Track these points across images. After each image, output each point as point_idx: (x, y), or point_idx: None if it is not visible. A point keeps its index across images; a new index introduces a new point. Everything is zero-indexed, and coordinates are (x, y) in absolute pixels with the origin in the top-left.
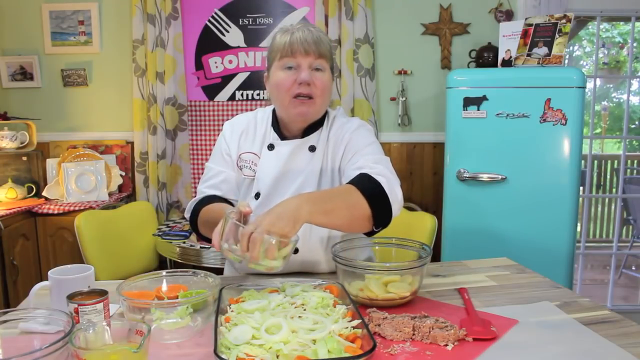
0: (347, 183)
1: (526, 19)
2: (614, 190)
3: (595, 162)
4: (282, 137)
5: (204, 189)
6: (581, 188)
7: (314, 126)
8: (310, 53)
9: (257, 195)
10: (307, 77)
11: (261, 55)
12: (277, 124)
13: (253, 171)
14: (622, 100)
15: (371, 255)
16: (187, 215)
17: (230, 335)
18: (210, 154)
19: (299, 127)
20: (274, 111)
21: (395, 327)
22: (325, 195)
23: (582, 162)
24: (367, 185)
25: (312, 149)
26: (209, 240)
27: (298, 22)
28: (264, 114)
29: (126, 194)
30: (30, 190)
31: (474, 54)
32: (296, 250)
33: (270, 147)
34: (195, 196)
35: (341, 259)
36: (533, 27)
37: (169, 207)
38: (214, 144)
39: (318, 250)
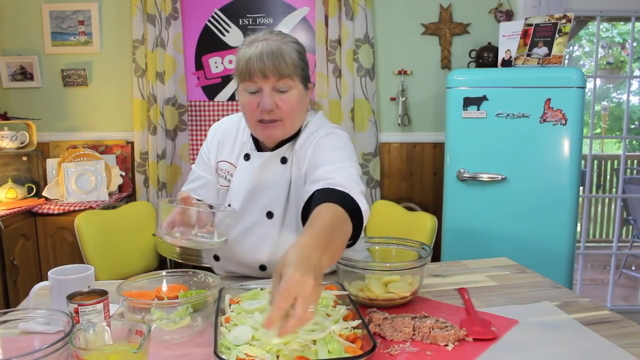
0: (330, 202)
1: (526, 19)
2: (613, 190)
3: (595, 162)
4: (259, 148)
5: (183, 191)
6: (581, 188)
7: (288, 137)
8: (269, 76)
9: None
10: (268, 104)
11: None
12: None
13: (228, 181)
14: (622, 100)
15: (368, 256)
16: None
17: (230, 336)
18: None
19: (270, 145)
20: None
21: (396, 328)
22: (330, 234)
23: (582, 162)
24: (346, 202)
25: (284, 160)
26: None
27: (264, 32)
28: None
29: (126, 194)
30: (30, 190)
31: (474, 54)
32: (263, 268)
33: (247, 157)
34: None
35: (341, 259)
36: (533, 27)
37: None
38: None
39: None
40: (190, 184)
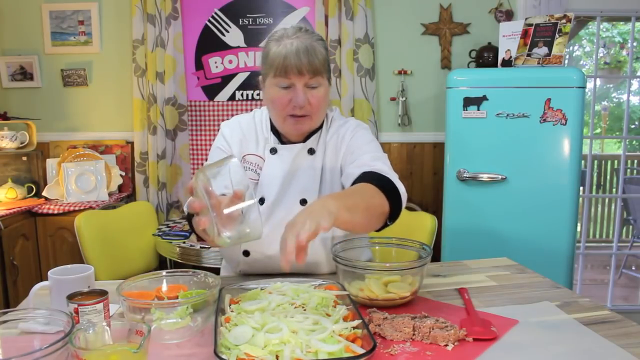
0: (362, 181)
1: (526, 19)
2: (614, 190)
3: (595, 162)
4: (282, 141)
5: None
6: (581, 188)
7: (314, 130)
8: (304, 73)
9: (262, 201)
10: (302, 100)
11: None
12: (275, 128)
13: (257, 174)
14: (622, 100)
15: (370, 256)
16: (186, 209)
17: (230, 336)
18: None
19: (296, 138)
20: None
21: (396, 328)
22: (346, 193)
23: (582, 162)
24: (382, 182)
25: (311, 151)
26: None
27: (292, 28)
28: (261, 116)
29: (126, 194)
30: (30, 190)
31: (474, 54)
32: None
33: (273, 150)
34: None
35: (341, 259)
36: (533, 27)
37: (169, 207)
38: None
39: (320, 251)
40: None
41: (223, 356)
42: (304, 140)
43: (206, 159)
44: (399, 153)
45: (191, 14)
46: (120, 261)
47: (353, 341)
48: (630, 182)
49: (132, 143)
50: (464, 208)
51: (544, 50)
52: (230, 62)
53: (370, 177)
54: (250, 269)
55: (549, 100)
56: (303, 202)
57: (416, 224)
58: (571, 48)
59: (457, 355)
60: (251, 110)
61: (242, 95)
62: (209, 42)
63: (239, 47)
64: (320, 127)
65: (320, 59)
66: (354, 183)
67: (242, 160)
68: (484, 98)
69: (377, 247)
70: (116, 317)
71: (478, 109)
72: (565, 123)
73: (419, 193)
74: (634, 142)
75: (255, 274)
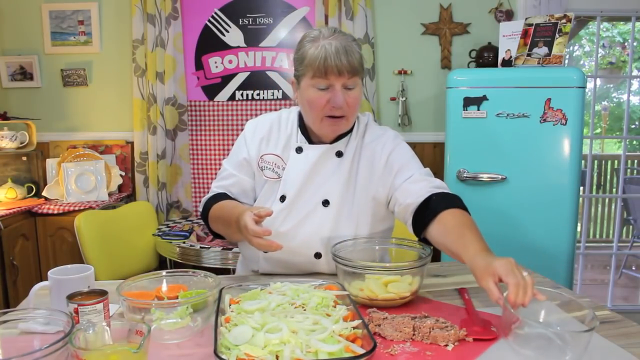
0: (443, 205)
1: (526, 18)
2: (614, 190)
3: (595, 162)
4: (310, 141)
5: (215, 188)
6: (581, 188)
7: (343, 132)
8: (344, 73)
9: (283, 198)
10: (341, 101)
11: (261, 55)
12: (304, 127)
13: (276, 173)
14: (622, 100)
15: (387, 257)
16: (199, 209)
17: (230, 336)
18: (210, 154)
19: (327, 139)
20: (300, 114)
21: (396, 328)
22: (480, 237)
23: (582, 162)
24: (461, 203)
25: (340, 154)
26: (220, 237)
27: (327, 29)
28: (288, 116)
29: (126, 194)
30: (30, 190)
31: (474, 54)
32: (319, 255)
33: (299, 150)
34: (195, 194)
35: (341, 259)
36: (533, 27)
37: (169, 207)
38: (214, 144)
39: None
40: (222, 181)
41: (223, 356)
42: (332, 142)
43: (206, 159)
44: None
45: (191, 14)
46: (120, 261)
47: (353, 341)
48: (630, 182)
49: (132, 143)
50: None
51: (544, 50)
52: (230, 62)
53: (450, 202)
54: (269, 266)
55: (549, 100)
56: (325, 202)
57: None
58: (571, 48)
59: (457, 355)
60: (250, 109)
61: (242, 95)
62: (209, 42)
63: (239, 47)
64: (350, 130)
65: (357, 59)
66: (425, 203)
67: (260, 159)
68: (484, 98)
69: (377, 247)
70: (116, 317)
71: (478, 109)
72: (566, 123)
73: None
74: (634, 142)
75: (274, 274)
